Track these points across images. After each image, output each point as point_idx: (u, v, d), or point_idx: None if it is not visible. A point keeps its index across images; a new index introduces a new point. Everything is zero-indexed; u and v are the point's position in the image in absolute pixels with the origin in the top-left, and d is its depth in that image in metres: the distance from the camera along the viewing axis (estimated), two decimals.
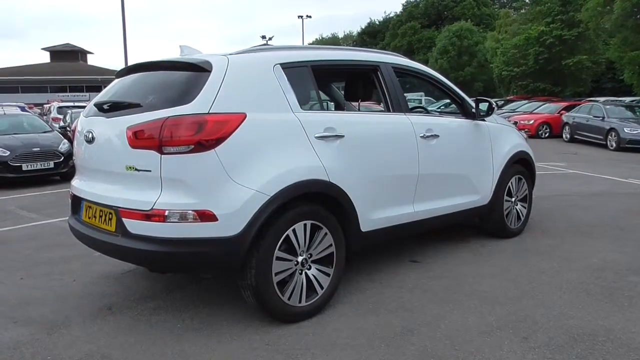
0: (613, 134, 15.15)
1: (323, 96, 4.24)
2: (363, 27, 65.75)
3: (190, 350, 2.94)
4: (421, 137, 4.05)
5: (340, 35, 77.38)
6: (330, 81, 4.95)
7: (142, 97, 3.27)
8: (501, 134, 5.00)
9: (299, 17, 47.26)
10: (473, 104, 4.74)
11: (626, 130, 14.73)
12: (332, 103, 5.03)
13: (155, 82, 3.35)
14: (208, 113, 2.92)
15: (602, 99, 22.79)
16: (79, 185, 3.61)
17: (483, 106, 4.68)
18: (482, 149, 4.74)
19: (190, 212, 2.86)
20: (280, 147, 3.18)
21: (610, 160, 12.46)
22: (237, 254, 2.97)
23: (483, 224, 5.07)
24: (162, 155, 2.87)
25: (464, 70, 40.87)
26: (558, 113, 19.27)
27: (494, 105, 4.69)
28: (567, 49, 28.45)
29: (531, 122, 19.13)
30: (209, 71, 3.06)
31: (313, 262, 3.33)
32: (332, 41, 74.31)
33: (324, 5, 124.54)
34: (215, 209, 2.88)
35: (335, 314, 3.39)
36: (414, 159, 4.00)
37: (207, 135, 2.88)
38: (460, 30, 41.55)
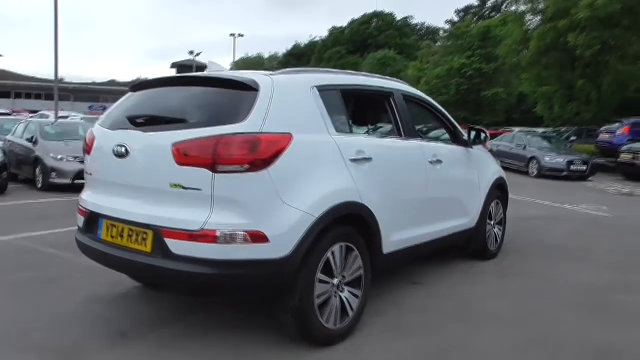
0: (534, 162, 16.44)
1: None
2: (289, 49, 66.67)
3: None
4: (429, 162, 4.23)
5: (266, 55, 77.87)
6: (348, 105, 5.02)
7: (184, 113, 3.19)
8: (484, 161, 5.33)
9: (231, 35, 46.90)
10: (464, 132, 5.01)
11: (546, 159, 16.04)
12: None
13: (196, 98, 3.26)
14: (261, 132, 2.88)
15: (517, 128, 24.63)
16: (97, 201, 3.39)
17: (476, 135, 4.97)
18: (472, 175, 5.02)
19: (241, 232, 2.79)
20: (322, 169, 3.20)
21: (537, 187, 13.47)
22: (286, 276, 2.93)
23: (468, 246, 5.32)
24: (216, 174, 2.78)
25: None
26: None
27: (487, 135, 5.00)
28: (485, 81, 30.61)
29: None
30: (257, 90, 3.03)
31: (345, 284, 3.35)
32: (258, 61, 74.58)
33: (251, 24, 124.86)
34: (267, 230, 2.83)
35: (364, 336, 3.41)
36: (424, 183, 4.16)
37: (261, 155, 2.84)
38: (385, 58, 43.42)
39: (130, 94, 3.67)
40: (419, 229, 4.12)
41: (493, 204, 5.39)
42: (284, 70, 3.48)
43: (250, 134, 2.85)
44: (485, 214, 5.19)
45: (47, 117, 23.31)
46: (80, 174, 9.01)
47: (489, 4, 52.13)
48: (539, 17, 23.86)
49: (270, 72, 3.34)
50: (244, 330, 3.46)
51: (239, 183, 2.80)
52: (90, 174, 3.55)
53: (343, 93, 3.63)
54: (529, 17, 24.93)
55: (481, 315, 3.83)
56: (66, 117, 23.50)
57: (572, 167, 15.53)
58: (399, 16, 56.93)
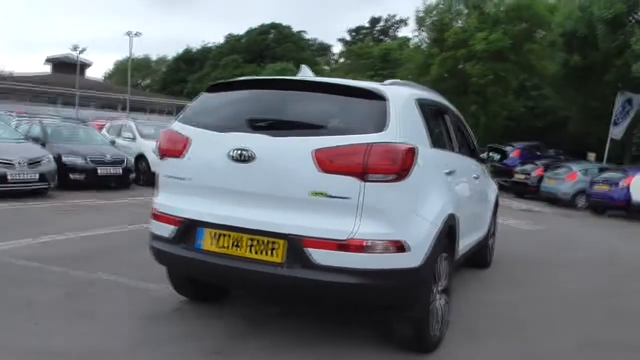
0: None
1: None
2: (180, 53, 64.50)
3: None
4: (474, 177, 4.53)
5: (153, 57, 74.46)
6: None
7: (314, 118, 3.10)
8: (489, 178, 5.77)
9: (127, 33, 43.63)
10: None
11: None
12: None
13: (323, 104, 3.16)
14: (401, 143, 2.91)
15: None
16: (196, 207, 3.11)
17: (496, 153, 5.41)
18: (488, 189, 5.44)
19: (386, 242, 2.80)
20: (435, 181, 3.35)
21: None
22: (417, 285, 2.99)
23: (474, 255, 5.69)
24: (365, 183, 2.76)
25: None
26: None
27: (508, 153, 5.47)
28: None
29: None
30: (386, 100, 3.03)
31: (439, 292, 3.47)
32: (145, 62, 71.09)
33: (138, 22, 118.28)
34: (407, 239, 2.87)
35: (451, 341, 3.55)
36: (473, 195, 4.46)
37: (404, 165, 2.88)
38: (284, 70, 43.84)
39: (225, 92, 3.46)
40: (469, 238, 4.39)
41: (492, 217, 5.86)
42: (387, 81, 3.53)
43: (394, 143, 2.87)
44: (492, 226, 5.63)
45: None
46: None
47: (377, 27, 55.09)
48: (437, 47, 25.77)
49: (380, 83, 3.38)
50: (330, 338, 3.44)
51: (385, 192, 2.80)
52: (185, 179, 3.21)
53: (428, 107, 3.77)
54: (428, 45, 26.95)
55: (510, 322, 4.14)
56: None
57: None
58: (294, 29, 57.99)
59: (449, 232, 3.47)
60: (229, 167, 2.99)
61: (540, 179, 17.06)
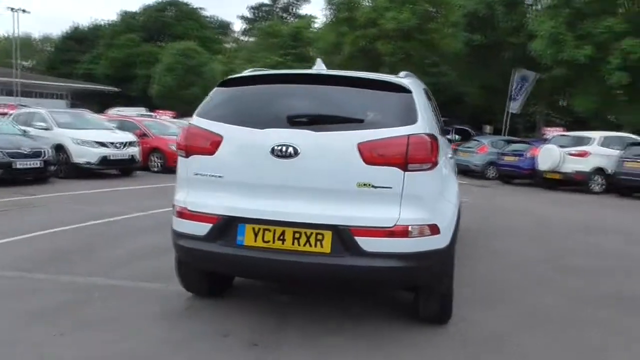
0: None
1: None
2: (68, 31, 59.50)
3: None
4: (450, 157, 4.79)
5: (35, 34, 68.03)
6: None
7: (351, 112, 3.16)
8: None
9: (10, 9, 38.84)
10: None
11: None
12: None
13: (357, 98, 3.25)
14: (428, 133, 3.08)
15: None
16: (233, 204, 3.10)
17: (459, 135, 5.73)
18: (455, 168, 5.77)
19: (425, 226, 3.00)
20: (447, 166, 3.64)
21: None
22: (446, 264, 3.22)
23: None
24: (406, 172, 2.93)
25: (188, 89, 41.68)
26: None
27: (471, 134, 5.83)
28: None
29: None
30: (411, 92, 3.21)
31: None
32: (26, 41, 64.75)
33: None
34: (439, 222, 3.08)
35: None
36: (453, 175, 4.73)
37: (435, 154, 3.08)
38: (187, 49, 42.23)
39: (244, 87, 3.42)
40: None
41: None
42: (402, 73, 3.64)
43: (425, 134, 3.06)
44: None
45: None
46: None
47: (279, 4, 54.33)
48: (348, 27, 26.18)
49: (396, 76, 3.53)
50: (356, 319, 3.57)
51: (422, 180, 3.00)
52: (219, 176, 3.17)
53: (428, 96, 3.94)
54: (337, 23, 27.28)
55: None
56: None
57: None
58: (193, 6, 55.64)
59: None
60: (271, 163, 3.02)
61: (454, 152, 18.18)
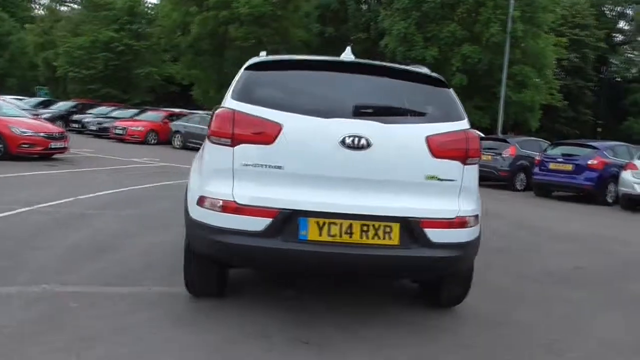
0: None
1: None
2: None
3: None
4: None
5: None
6: None
7: (415, 106, 3.22)
8: None
9: None
10: None
11: None
12: None
13: (411, 90, 3.29)
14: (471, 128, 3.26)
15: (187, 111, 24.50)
16: (294, 197, 2.90)
17: None
18: None
19: (474, 217, 3.16)
20: None
21: None
22: (476, 253, 3.33)
23: None
24: (465, 166, 3.08)
25: None
26: (162, 121, 20.21)
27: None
28: (138, 59, 29.51)
29: (140, 128, 19.30)
30: (450, 88, 3.34)
31: None
32: None
33: None
34: (479, 212, 3.26)
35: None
36: None
37: (481, 148, 3.24)
38: None
39: (299, 72, 3.33)
40: None
41: None
42: (418, 67, 3.66)
43: (472, 129, 3.24)
44: None
45: None
46: None
47: None
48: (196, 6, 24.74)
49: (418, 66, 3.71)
50: (385, 308, 3.56)
51: (473, 174, 3.18)
52: (277, 167, 2.93)
53: None
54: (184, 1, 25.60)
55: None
56: None
57: None
58: None
59: None
60: (341, 155, 2.91)
61: None
